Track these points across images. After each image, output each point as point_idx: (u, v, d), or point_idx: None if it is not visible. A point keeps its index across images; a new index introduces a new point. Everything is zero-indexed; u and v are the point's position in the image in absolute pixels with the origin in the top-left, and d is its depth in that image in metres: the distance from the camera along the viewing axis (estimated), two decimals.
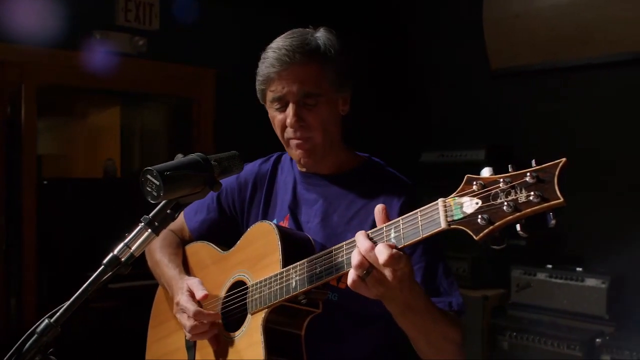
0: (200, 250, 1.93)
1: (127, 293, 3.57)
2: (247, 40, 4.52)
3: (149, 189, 1.38)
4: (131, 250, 1.40)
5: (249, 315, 1.64)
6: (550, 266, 4.00)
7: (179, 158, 1.47)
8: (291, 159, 1.92)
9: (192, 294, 1.73)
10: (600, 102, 4.23)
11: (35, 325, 1.34)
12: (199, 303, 1.72)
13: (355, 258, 1.27)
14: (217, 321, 1.72)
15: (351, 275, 1.28)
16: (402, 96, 5.24)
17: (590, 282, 3.81)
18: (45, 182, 3.69)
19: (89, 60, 3.91)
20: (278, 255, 1.60)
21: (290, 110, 1.67)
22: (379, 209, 1.35)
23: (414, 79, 5.10)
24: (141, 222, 1.42)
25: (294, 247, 1.63)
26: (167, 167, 1.38)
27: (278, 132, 1.75)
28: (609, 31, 4.11)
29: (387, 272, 1.24)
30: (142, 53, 4.14)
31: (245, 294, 1.67)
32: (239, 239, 1.88)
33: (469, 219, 1.21)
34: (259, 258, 1.67)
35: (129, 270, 1.42)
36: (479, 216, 1.18)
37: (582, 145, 4.25)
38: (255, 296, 1.62)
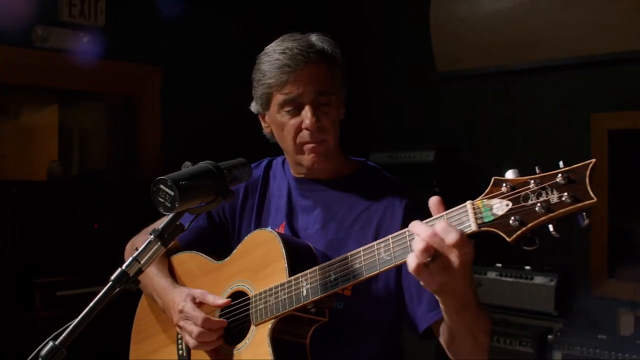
0: (188, 261, 1.85)
1: (75, 301, 3.41)
2: (193, 38, 4.44)
3: (162, 200, 1.31)
4: (140, 265, 1.33)
5: (252, 327, 1.59)
6: (499, 265, 4.10)
7: (188, 166, 1.40)
8: (282, 164, 1.87)
9: (196, 302, 1.66)
10: (543, 104, 4.37)
11: (38, 348, 1.25)
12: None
13: (419, 243, 1.20)
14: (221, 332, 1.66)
15: (415, 262, 1.21)
16: (350, 97, 5.23)
17: (539, 279, 3.93)
18: None
19: (30, 57, 3.72)
20: (283, 264, 1.55)
21: (308, 111, 1.63)
22: (434, 201, 1.29)
23: (362, 81, 5.12)
24: (150, 235, 1.34)
25: (297, 254, 1.59)
26: (181, 176, 1.32)
27: (289, 137, 1.68)
28: (553, 36, 4.25)
29: (453, 257, 1.19)
30: (86, 50, 3.96)
31: (247, 304, 1.61)
32: (228, 248, 1.82)
33: (501, 221, 1.20)
34: (260, 267, 1.62)
35: (137, 286, 1.34)
36: (511, 218, 1.19)
37: (526, 146, 4.39)
38: (260, 306, 1.57)
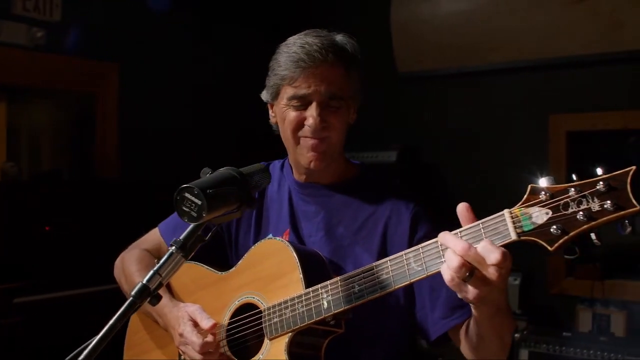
0: (184, 272, 1.74)
1: (33, 307, 3.26)
2: (151, 34, 4.30)
3: (187, 209, 1.23)
4: (161, 278, 1.25)
5: (267, 341, 1.52)
6: None
7: (207, 173, 1.33)
8: (281, 169, 1.81)
9: (195, 323, 1.58)
10: (503, 105, 4.43)
11: None
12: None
13: (453, 260, 1.18)
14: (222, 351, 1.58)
15: (451, 277, 1.19)
16: None
17: None
18: None
19: None
20: (298, 274, 1.49)
21: (314, 110, 1.58)
22: (463, 208, 1.26)
23: None
24: (171, 247, 1.26)
25: (311, 264, 1.53)
26: (207, 184, 1.24)
27: (288, 129, 1.63)
28: (512, 38, 4.31)
29: (492, 271, 1.17)
30: (40, 45, 3.78)
31: (259, 318, 1.54)
32: (224, 258, 1.75)
33: (541, 230, 1.19)
34: (272, 278, 1.55)
35: (159, 302, 1.26)
36: (552, 227, 1.17)
37: (486, 146, 4.44)
38: (275, 320, 1.50)
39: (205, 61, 4.60)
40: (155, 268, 1.24)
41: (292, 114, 1.61)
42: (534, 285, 4.16)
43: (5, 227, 3.24)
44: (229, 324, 1.61)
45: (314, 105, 1.58)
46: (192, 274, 1.73)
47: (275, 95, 1.65)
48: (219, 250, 1.79)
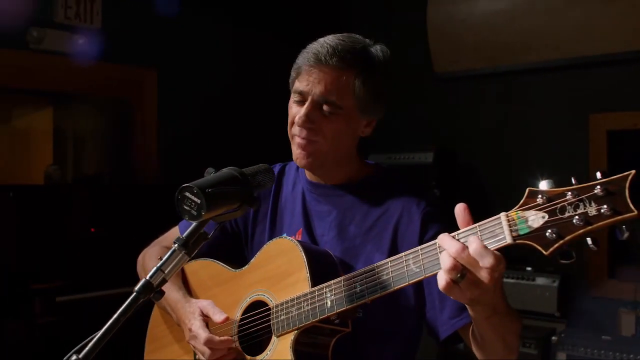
0: (202, 269, 1.80)
1: (74, 306, 3.37)
2: (189, 40, 4.39)
3: (187, 208, 1.27)
4: (164, 275, 1.29)
5: (274, 338, 1.55)
6: None
7: (211, 173, 1.37)
8: (297, 169, 1.84)
9: (205, 318, 1.63)
10: (541, 105, 4.37)
11: None
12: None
13: (446, 261, 1.19)
14: (233, 346, 1.62)
15: (444, 279, 1.20)
16: None
17: (541, 280, 3.93)
18: None
19: (25, 59, 3.67)
20: (305, 273, 1.52)
21: (303, 109, 1.59)
22: (460, 209, 1.26)
23: None
24: (174, 244, 1.31)
25: (319, 263, 1.55)
26: (206, 183, 1.28)
27: (289, 123, 1.66)
28: (550, 37, 4.25)
29: (484, 274, 1.17)
30: (82, 52, 3.91)
31: (268, 315, 1.58)
32: (242, 256, 1.79)
33: (537, 234, 1.17)
34: (281, 277, 1.58)
35: (162, 297, 1.30)
36: (548, 231, 1.16)
37: (524, 147, 4.38)
38: (282, 317, 1.53)
39: (243, 68, 4.68)
40: (158, 265, 1.28)
41: (293, 108, 1.63)
42: (574, 287, 4.09)
43: (47, 229, 3.37)
44: (241, 320, 1.64)
45: (305, 103, 1.59)
46: (210, 271, 1.78)
47: (292, 84, 1.67)
48: (238, 249, 1.84)
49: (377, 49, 1.65)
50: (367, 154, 4.65)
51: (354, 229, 1.68)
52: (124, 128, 4.39)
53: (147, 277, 1.27)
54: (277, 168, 1.86)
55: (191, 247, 1.31)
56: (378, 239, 1.65)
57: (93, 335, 1.24)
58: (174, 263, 1.30)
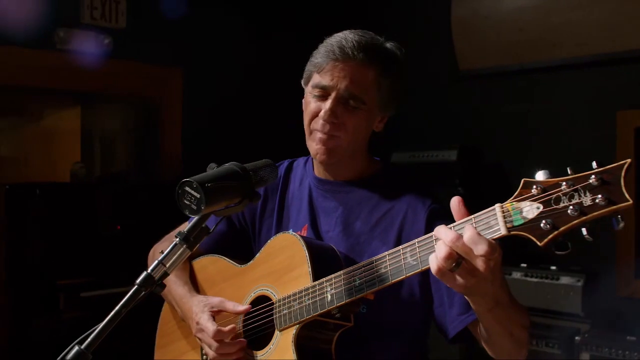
0: (210, 265, 1.83)
1: (99, 301, 3.43)
2: (214, 39, 4.43)
3: (187, 202, 1.29)
4: (165, 268, 1.31)
5: (277, 332, 1.57)
6: (525, 265, 4.04)
7: (213, 168, 1.39)
8: (304, 165, 1.85)
9: (214, 311, 1.65)
10: (567, 102, 4.30)
11: (64, 353, 1.24)
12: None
13: (442, 249, 1.19)
14: (241, 339, 1.64)
15: (438, 267, 1.20)
16: None
17: (565, 280, 3.86)
18: (7, 187, 3.47)
19: (52, 60, 3.75)
20: (307, 268, 1.53)
21: (328, 104, 1.60)
22: (455, 202, 1.26)
23: None
24: (176, 238, 1.33)
25: (321, 258, 1.56)
26: (206, 178, 1.30)
27: (306, 119, 1.67)
28: (575, 33, 4.17)
29: (480, 262, 1.17)
30: (108, 52, 3.98)
31: (271, 309, 1.59)
32: (249, 252, 1.81)
33: (531, 225, 1.17)
34: (284, 271, 1.60)
35: (163, 290, 1.32)
36: (542, 221, 1.15)
37: (550, 145, 4.32)
38: (284, 312, 1.55)
39: (267, 67, 4.70)
40: (159, 258, 1.31)
41: (312, 103, 1.64)
42: (601, 287, 4.01)
43: (72, 225, 3.44)
44: (245, 314, 1.66)
45: (331, 97, 1.60)
46: (217, 266, 1.81)
47: (307, 80, 1.69)
48: (246, 245, 1.86)
49: (393, 46, 1.67)
50: (391, 152, 4.65)
51: (360, 226, 1.69)
52: (150, 127, 4.45)
53: (149, 271, 1.30)
54: (285, 164, 1.89)
55: (192, 242, 1.34)
56: (383, 236, 1.65)
57: (95, 327, 1.27)
58: (175, 257, 1.32)
